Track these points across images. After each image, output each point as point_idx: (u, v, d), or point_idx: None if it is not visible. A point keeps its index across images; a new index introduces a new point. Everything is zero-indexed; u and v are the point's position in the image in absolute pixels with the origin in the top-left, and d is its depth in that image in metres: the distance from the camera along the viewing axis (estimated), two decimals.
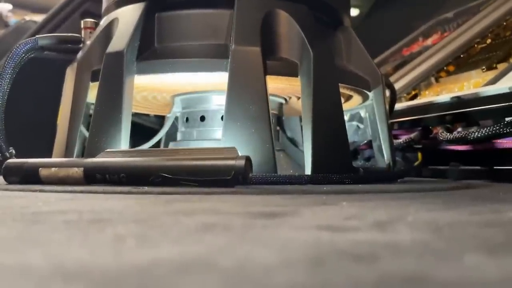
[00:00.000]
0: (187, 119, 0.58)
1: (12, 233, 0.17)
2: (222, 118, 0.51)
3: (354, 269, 0.11)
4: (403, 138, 0.69)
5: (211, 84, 0.53)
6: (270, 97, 0.47)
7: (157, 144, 0.64)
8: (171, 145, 0.60)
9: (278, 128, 0.63)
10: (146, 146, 0.60)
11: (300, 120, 0.64)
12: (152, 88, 0.57)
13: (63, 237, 0.16)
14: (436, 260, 0.13)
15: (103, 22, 0.55)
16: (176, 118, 0.62)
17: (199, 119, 0.57)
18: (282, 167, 0.51)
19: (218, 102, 0.56)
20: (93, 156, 0.42)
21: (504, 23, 0.84)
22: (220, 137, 0.47)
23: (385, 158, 0.57)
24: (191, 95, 0.58)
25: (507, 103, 0.57)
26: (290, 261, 0.12)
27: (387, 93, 0.64)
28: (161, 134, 0.64)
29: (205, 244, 0.15)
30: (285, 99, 0.62)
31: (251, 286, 0.10)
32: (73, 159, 0.48)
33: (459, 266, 0.12)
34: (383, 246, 0.14)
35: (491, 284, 0.10)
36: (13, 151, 0.50)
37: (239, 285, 0.10)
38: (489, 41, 0.82)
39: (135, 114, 0.66)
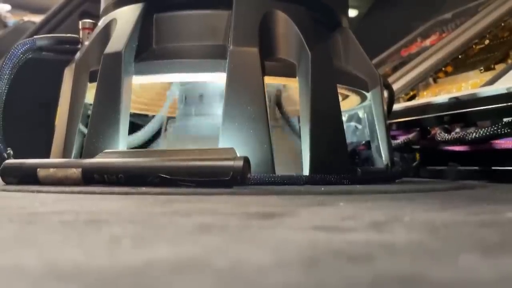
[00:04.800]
0: (185, 98, 0.58)
1: (8, 234, 0.17)
2: (220, 94, 0.52)
3: (349, 269, 0.11)
4: (401, 139, 0.69)
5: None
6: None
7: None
8: (171, 123, 0.61)
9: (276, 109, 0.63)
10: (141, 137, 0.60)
11: (299, 120, 0.64)
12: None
13: (59, 238, 0.16)
14: (431, 260, 0.13)
15: (101, 23, 0.55)
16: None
17: (197, 97, 0.57)
18: (279, 145, 0.50)
19: (216, 82, 0.56)
20: (91, 157, 0.42)
21: (502, 24, 0.84)
22: (219, 112, 0.47)
23: (383, 158, 0.57)
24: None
25: (505, 104, 0.57)
26: (285, 261, 0.12)
27: (385, 93, 0.64)
28: (152, 127, 0.64)
29: (201, 245, 0.15)
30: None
31: (245, 286, 0.10)
32: (71, 160, 0.48)
33: (454, 267, 0.12)
34: (379, 246, 0.14)
35: (486, 285, 0.10)
36: (11, 152, 0.50)
37: (233, 285, 0.10)
38: (487, 42, 0.82)
39: (133, 115, 0.66)
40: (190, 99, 0.58)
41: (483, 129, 0.56)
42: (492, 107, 0.58)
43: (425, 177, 0.70)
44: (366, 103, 0.60)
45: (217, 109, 0.54)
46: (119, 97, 0.47)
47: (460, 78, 0.76)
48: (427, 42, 1.04)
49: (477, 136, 0.56)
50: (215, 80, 0.53)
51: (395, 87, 0.81)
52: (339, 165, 0.48)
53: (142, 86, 0.62)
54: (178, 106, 0.60)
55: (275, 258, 0.13)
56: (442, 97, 0.68)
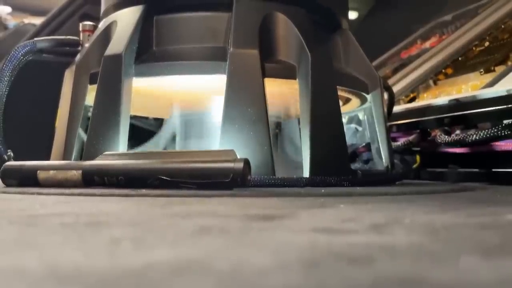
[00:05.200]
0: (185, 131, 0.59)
1: (8, 236, 0.17)
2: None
3: (350, 271, 0.11)
4: (401, 141, 0.69)
5: (209, 88, 0.53)
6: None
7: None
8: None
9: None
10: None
11: (299, 122, 0.64)
12: (150, 94, 0.57)
13: (59, 240, 0.16)
14: (432, 262, 0.13)
15: (102, 25, 0.55)
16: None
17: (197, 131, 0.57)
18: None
19: (216, 119, 0.55)
20: (92, 159, 0.42)
21: (502, 26, 0.84)
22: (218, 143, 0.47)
23: (384, 160, 0.57)
24: (189, 113, 0.58)
25: (505, 106, 0.57)
26: (285, 263, 0.12)
27: (385, 95, 0.64)
28: (161, 138, 0.64)
29: (201, 247, 0.15)
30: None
31: None
32: (71, 162, 0.48)
33: (455, 269, 0.12)
34: (379, 248, 0.14)
35: (486, 287, 0.10)
36: (11, 154, 0.50)
37: (234, 287, 0.10)
38: (487, 43, 0.82)
39: (133, 117, 0.66)
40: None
41: (483, 131, 0.56)
42: (492, 109, 0.58)
43: (425, 179, 0.70)
44: (366, 105, 0.60)
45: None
46: (119, 99, 0.47)
47: (460, 80, 0.76)
48: (427, 44, 1.04)
49: (477, 138, 0.56)
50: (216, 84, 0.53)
51: (395, 89, 0.81)
52: (339, 167, 0.48)
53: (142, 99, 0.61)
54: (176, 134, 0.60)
55: (275, 260, 0.13)
56: (442, 99, 0.69)
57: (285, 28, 0.50)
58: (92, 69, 0.53)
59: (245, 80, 0.46)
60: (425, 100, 0.77)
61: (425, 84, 0.83)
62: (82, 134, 0.54)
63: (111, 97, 0.48)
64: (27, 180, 0.41)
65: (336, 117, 0.49)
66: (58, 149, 0.53)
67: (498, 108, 0.58)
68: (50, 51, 0.55)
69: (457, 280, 0.11)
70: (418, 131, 0.69)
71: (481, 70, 0.72)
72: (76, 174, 0.40)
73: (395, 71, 1.01)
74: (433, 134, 0.67)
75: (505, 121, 0.56)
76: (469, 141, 0.57)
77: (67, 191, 0.36)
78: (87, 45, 0.55)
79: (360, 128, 0.71)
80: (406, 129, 0.72)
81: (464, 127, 0.63)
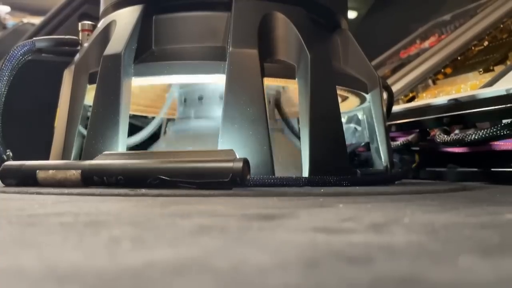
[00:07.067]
0: (185, 100, 0.59)
1: (7, 236, 0.17)
2: (220, 96, 0.53)
3: (349, 271, 0.11)
4: (400, 140, 0.69)
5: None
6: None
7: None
8: (170, 125, 0.61)
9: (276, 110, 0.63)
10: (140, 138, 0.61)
11: (298, 122, 0.64)
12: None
13: (58, 240, 0.16)
14: (431, 262, 0.13)
15: (101, 24, 0.55)
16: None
17: (197, 98, 0.57)
18: (279, 148, 0.51)
19: (216, 83, 0.55)
20: (91, 159, 0.42)
21: (501, 26, 0.84)
22: (218, 114, 0.47)
23: (383, 160, 0.57)
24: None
25: (504, 105, 0.57)
26: (285, 263, 0.12)
27: (385, 95, 0.64)
28: (151, 128, 0.64)
29: (201, 246, 0.15)
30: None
31: (245, 287, 0.10)
32: (71, 162, 0.48)
33: (454, 268, 0.12)
34: (378, 248, 0.14)
35: (485, 286, 0.10)
36: (11, 154, 0.50)
37: (233, 286, 0.10)
38: (486, 43, 0.82)
39: (132, 116, 0.66)
40: (189, 101, 0.58)
41: (482, 131, 0.56)
42: (491, 109, 0.58)
43: (424, 179, 0.70)
44: (366, 104, 0.60)
45: (217, 111, 0.54)
46: (118, 99, 0.47)
47: (459, 79, 0.76)
48: (426, 43, 1.05)
49: (476, 137, 0.56)
50: (215, 81, 0.53)
51: (394, 88, 0.81)
52: (339, 167, 0.48)
53: (142, 88, 0.61)
54: (177, 108, 0.61)
55: (275, 260, 0.13)
56: (441, 99, 0.69)
57: (284, 28, 0.50)
58: (91, 68, 0.52)
59: (244, 79, 0.46)
60: (424, 99, 0.77)
61: (424, 84, 0.83)
62: (82, 130, 0.54)
63: (110, 96, 0.48)
64: (26, 179, 0.41)
65: (336, 116, 0.49)
66: (57, 149, 0.53)
67: (497, 108, 0.58)
68: (49, 50, 0.55)
69: (456, 280, 0.11)
70: (417, 130, 0.69)
71: (480, 69, 0.72)
72: (75, 173, 0.40)
73: (394, 70, 1.01)
74: (432, 133, 0.67)
75: (504, 121, 0.56)
76: (468, 140, 0.57)
77: (66, 190, 0.36)
78: (86, 44, 0.55)
79: (359, 128, 0.71)
80: (405, 129, 0.72)
81: (463, 127, 0.63)
